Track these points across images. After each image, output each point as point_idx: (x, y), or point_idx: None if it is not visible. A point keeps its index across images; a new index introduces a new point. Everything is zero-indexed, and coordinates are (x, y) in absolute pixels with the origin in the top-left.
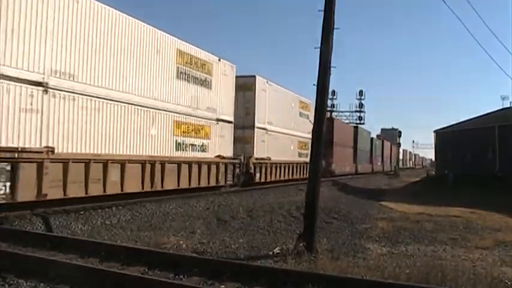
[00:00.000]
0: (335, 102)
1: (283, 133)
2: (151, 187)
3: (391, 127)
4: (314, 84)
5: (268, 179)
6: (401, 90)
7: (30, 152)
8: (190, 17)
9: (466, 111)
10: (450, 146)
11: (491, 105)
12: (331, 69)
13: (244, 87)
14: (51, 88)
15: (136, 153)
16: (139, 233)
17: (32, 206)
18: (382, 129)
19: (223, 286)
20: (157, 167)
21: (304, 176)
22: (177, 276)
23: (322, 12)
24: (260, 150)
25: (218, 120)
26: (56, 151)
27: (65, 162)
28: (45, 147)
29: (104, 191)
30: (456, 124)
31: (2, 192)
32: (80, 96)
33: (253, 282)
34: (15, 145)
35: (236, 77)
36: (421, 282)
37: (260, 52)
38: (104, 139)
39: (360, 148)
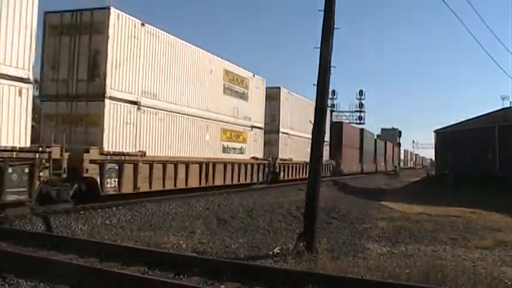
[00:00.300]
0: (335, 102)
1: (302, 137)
2: (206, 183)
3: (391, 127)
4: (314, 84)
5: (290, 177)
6: (401, 90)
7: (131, 155)
8: (190, 17)
9: (466, 111)
10: (450, 146)
11: (491, 105)
12: (331, 69)
13: (270, 97)
14: (142, 106)
15: (195, 155)
16: (139, 232)
17: (130, 197)
18: (382, 129)
19: (223, 286)
20: (210, 166)
21: None
22: (177, 276)
23: (322, 12)
24: (284, 152)
25: (252, 127)
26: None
27: (151, 163)
28: (139, 151)
29: (175, 186)
30: (456, 124)
31: (113, 186)
32: (160, 111)
33: (253, 282)
34: (120, 150)
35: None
36: (421, 282)
37: (260, 52)
38: (174, 144)
39: (365, 149)
